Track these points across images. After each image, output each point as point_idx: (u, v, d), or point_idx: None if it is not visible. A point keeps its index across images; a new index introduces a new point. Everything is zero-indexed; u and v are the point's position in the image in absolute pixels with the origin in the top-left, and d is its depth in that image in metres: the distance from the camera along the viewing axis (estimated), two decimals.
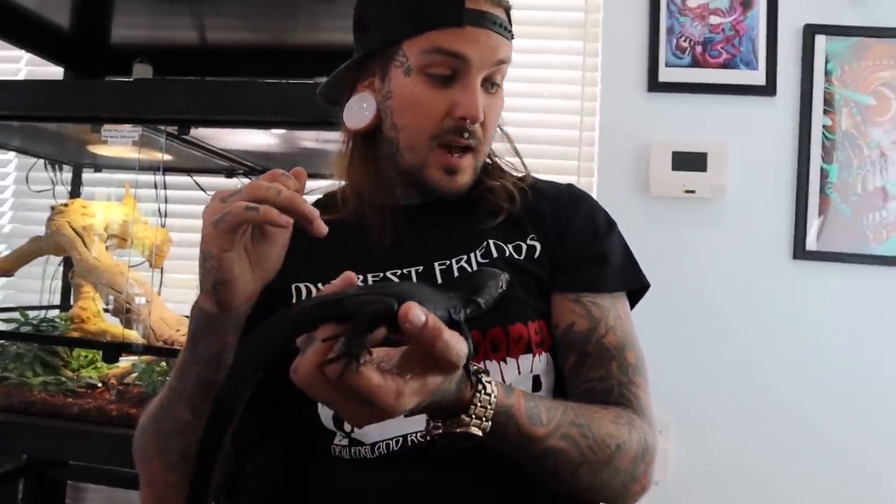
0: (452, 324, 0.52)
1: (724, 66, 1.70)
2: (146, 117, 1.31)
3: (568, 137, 1.79)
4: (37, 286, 1.70)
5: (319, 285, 0.78)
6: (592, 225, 0.83)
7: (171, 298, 1.58)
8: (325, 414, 0.75)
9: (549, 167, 1.76)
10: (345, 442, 0.75)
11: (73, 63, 1.76)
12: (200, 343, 0.65)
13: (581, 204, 0.85)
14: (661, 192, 1.68)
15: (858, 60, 1.67)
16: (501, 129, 0.88)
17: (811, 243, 1.66)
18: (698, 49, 1.71)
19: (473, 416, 0.57)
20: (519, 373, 0.74)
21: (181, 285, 1.68)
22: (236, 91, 1.31)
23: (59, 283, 1.75)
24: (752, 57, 1.69)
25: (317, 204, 0.74)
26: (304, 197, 0.60)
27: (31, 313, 1.57)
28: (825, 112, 1.67)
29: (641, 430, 0.72)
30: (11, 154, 1.95)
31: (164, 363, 1.40)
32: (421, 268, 0.78)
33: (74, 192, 1.78)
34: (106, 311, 1.52)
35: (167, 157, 1.50)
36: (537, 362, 0.75)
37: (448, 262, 0.78)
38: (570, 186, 0.88)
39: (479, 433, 0.57)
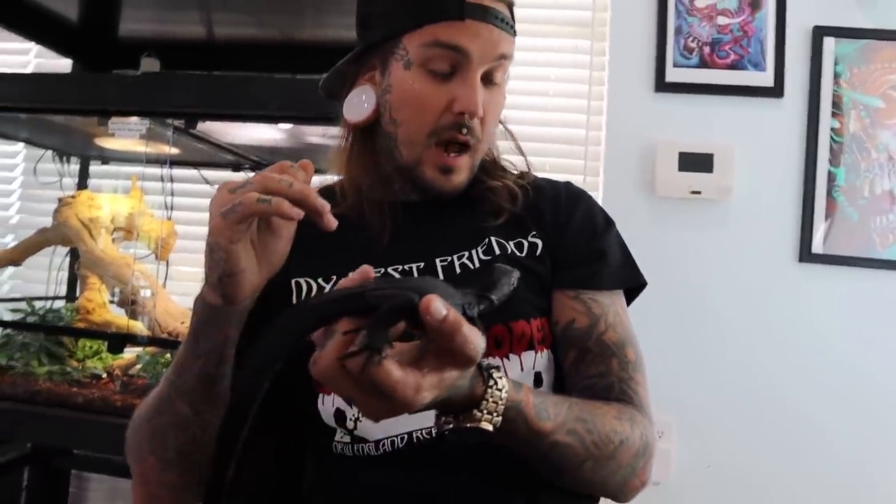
0: (467, 319, 0.52)
1: (732, 67, 1.69)
2: (153, 111, 1.31)
3: (574, 136, 1.79)
4: (43, 277, 1.71)
5: (320, 281, 0.77)
6: (591, 223, 0.83)
7: (177, 291, 1.59)
8: (326, 411, 0.74)
9: (555, 166, 1.76)
10: (347, 439, 0.73)
11: (81, 56, 1.77)
12: (202, 337, 0.64)
13: (579, 202, 0.85)
14: (666, 193, 1.67)
15: (867, 63, 1.66)
16: (505, 127, 0.87)
17: (817, 246, 1.65)
18: (706, 50, 1.70)
19: (485, 412, 0.57)
20: (521, 369, 0.74)
21: (186, 278, 1.69)
22: (243, 86, 1.32)
23: (65, 274, 1.76)
24: (760, 58, 1.69)
25: None
26: None
27: (38, 303, 1.58)
28: (833, 114, 1.66)
29: (642, 426, 0.72)
30: (20, 145, 1.96)
31: (168, 355, 1.41)
32: (422, 264, 0.78)
33: (81, 185, 1.79)
34: (111, 302, 1.53)
35: (174, 151, 1.51)
36: (539, 359, 0.75)
37: (449, 259, 0.78)
38: (567, 184, 0.88)
39: (490, 428, 0.57)
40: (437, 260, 0.78)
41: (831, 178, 1.66)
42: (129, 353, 1.45)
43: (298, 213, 0.57)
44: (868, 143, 1.65)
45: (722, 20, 1.70)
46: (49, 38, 1.72)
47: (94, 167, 1.84)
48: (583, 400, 0.70)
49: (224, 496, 0.53)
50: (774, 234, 1.67)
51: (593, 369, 0.75)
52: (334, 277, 0.77)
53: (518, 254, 0.79)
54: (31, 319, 1.53)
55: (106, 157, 1.82)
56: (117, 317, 1.49)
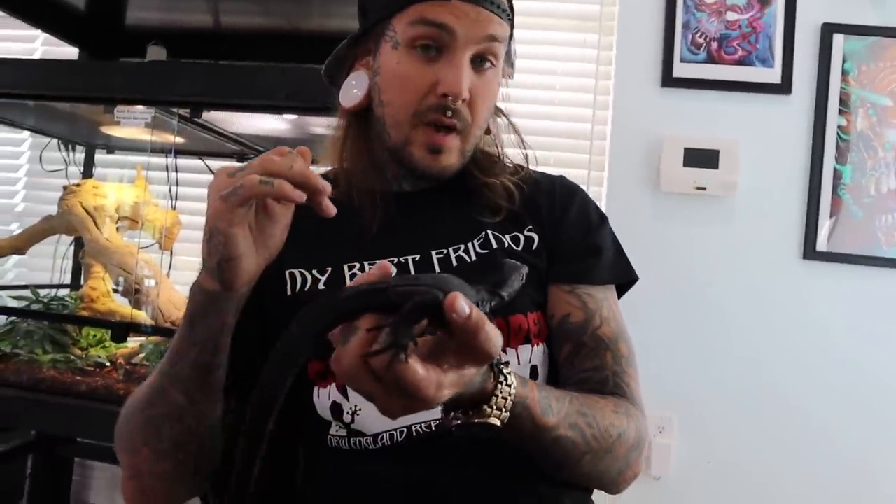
0: None
1: (740, 62, 1.68)
2: (159, 99, 1.31)
3: (580, 131, 1.78)
4: (48, 265, 1.72)
5: (314, 272, 0.77)
6: (586, 218, 0.83)
7: (180, 280, 1.59)
8: (322, 403, 0.72)
9: (561, 160, 1.75)
10: (343, 433, 0.72)
11: (87, 44, 1.77)
12: (199, 324, 0.63)
13: (574, 196, 0.85)
14: (671, 188, 1.67)
15: (876, 61, 1.65)
16: (508, 120, 0.86)
17: (822, 244, 1.65)
18: (714, 45, 1.69)
19: (494, 408, 0.57)
20: (518, 363, 0.74)
21: (190, 267, 1.70)
22: (249, 75, 1.31)
23: (69, 263, 1.77)
24: (768, 54, 1.68)
25: None
26: None
27: (42, 291, 1.59)
28: (840, 112, 1.66)
29: (636, 420, 0.73)
30: (25, 133, 1.97)
31: None
32: (418, 256, 0.77)
33: (87, 173, 1.80)
34: (115, 291, 1.53)
35: (179, 140, 1.51)
36: (535, 352, 0.75)
37: (445, 251, 0.77)
38: (561, 178, 0.88)
39: (498, 423, 0.57)
40: (433, 252, 0.77)
41: (837, 175, 1.65)
42: (133, 342, 1.46)
43: (301, 196, 0.56)
44: (875, 141, 1.65)
45: (731, 16, 1.69)
46: (56, 26, 1.71)
47: (100, 156, 1.84)
48: (581, 394, 0.70)
49: (250, 492, 0.53)
50: (779, 231, 1.66)
51: (588, 363, 0.76)
52: (329, 269, 0.76)
53: (515, 248, 0.79)
54: (35, 307, 1.53)
55: (111, 146, 1.82)
56: (121, 306, 1.49)
